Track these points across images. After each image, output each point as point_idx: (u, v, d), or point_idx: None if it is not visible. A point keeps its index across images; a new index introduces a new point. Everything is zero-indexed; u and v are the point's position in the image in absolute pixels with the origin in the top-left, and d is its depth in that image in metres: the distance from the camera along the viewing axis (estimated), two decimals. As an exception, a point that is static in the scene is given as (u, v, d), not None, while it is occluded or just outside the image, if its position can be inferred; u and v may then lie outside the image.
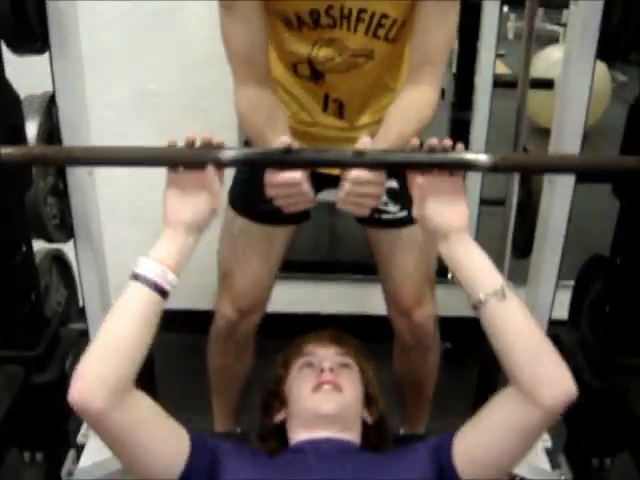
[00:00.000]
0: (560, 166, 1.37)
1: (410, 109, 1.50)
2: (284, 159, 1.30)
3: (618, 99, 4.55)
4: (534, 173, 1.24)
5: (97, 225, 1.87)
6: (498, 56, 3.29)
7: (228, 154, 1.24)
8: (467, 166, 1.25)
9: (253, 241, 1.76)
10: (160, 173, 1.24)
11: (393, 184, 1.66)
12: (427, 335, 1.84)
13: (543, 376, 1.13)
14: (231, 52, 1.51)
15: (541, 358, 1.14)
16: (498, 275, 1.20)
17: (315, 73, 1.61)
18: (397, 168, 1.38)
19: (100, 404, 1.07)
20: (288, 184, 1.33)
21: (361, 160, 1.29)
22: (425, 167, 1.23)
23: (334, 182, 1.68)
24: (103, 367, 1.10)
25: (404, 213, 1.70)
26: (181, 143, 1.23)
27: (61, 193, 1.80)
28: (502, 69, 3.66)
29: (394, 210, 1.72)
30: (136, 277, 1.15)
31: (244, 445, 1.40)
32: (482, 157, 1.23)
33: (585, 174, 1.58)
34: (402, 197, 1.62)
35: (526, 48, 2.02)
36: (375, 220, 1.72)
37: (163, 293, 1.16)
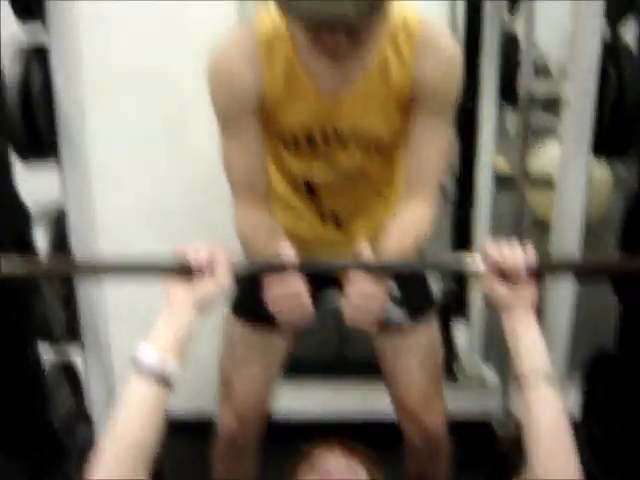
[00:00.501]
0: (557, 268, 1.43)
1: (408, 225, 1.53)
2: (284, 267, 1.35)
3: (621, 191, 4.61)
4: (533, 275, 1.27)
5: (104, 331, 1.89)
6: (499, 153, 3.38)
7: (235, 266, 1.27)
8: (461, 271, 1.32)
9: (253, 348, 1.75)
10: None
11: (393, 290, 1.66)
12: (437, 439, 1.80)
13: (553, 472, 1.13)
14: (232, 176, 1.55)
15: (558, 454, 1.15)
16: (548, 360, 1.22)
17: (311, 189, 1.66)
18: (396, 273, 1.45)
19: None
20: (288, 295, 1.37)
21: (360, 266, 1.35)
22: (420, 272, 1.36)
23: (334, 282, 1.69)
24: (114, 467, 1.09)
25: (407, 315, 1.70)
26: (189, 249, 1.24)
27: (69, 302, 1.82)
28: (503, 165, 3.72)
29: (397, 314, 1.70)
30: (137, 369, 1.14)
31: None
32: (477, 261, 1.27)
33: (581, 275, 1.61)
34: (404, 301, 1.64)
35: (522, 148, 2.07)
36: (378, 324, 1.70)
37: (166, 383, 1.15)
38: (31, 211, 1.63)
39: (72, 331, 1.85)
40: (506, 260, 1.25)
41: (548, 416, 1.18)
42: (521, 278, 1.24)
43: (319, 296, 1.80)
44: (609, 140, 1.63)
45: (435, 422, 1.77)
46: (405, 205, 1.55)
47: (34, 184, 1.65)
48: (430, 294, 1.83)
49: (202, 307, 1.23)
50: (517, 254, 1.25)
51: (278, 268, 1.36)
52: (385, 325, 1.69)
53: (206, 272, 1.23)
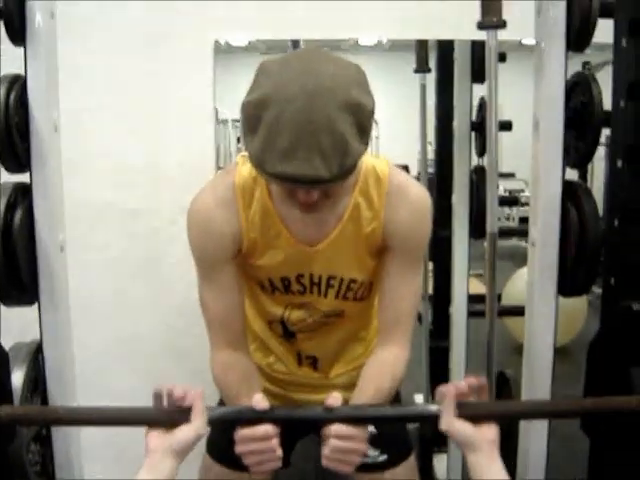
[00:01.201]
0: (520, 413, 1.49)
1: (384, 367, 1.54)
2: (257, 416, 1.35)
3: (596, 312, 4.65)
4: (496, 420, 1.31)
5: (79, 469, 1.86)
6: (477, 276, 3.44)
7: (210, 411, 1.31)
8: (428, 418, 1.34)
9: None
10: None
11: (371, 429, 1.67)
12: None
13: None
14: (208, 314, 1.58)
15: None
16: None
17: (287, 332, 1.68)
18: (367, 422, 1.43)
19: None
20: (258, 438, 1.35)
21: (332, 416, 1.36)
22: (392, 420, 1.40)
23: (315, 429, 1.69)
24: None
25: (384, 457, 1.69)
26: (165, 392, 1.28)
27: (44, 439, 1.80)
28: (481, 289, 3.78)
29: (374, 455, 1.69)
30: None
31: None
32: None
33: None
34: (381, 441, 1.63)
35: (490, 282, 2.10)
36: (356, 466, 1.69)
37: None
38: (10, 351, 1.65)
39: (45, 470, 1.82)
40: (458, 388, 1.29)
41: None
42: (468, 396, 1.29)
43: (296, 443, 1.80)
44: (573, 282, 1.69)
45: None
46: (381, 347, 1.57)
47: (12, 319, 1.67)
48: (407, 436, 1.82)
49: (179, 453, 1.25)
50: (468, 381, 1.30)
51: (252, 419, 1.37)
52: (362, 464, 1.66)
53: (182, 418, 1.26)
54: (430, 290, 3.14)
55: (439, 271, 2.93)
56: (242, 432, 1.36)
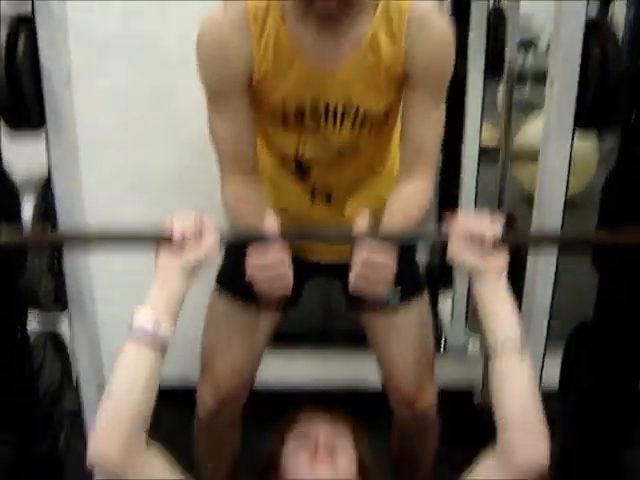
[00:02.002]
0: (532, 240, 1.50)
1: (410, 197, 1.54)
2: (272, 237, 1.34)
3: (606, 165, 4.62)
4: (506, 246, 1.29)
5: (91, 304, 1.90)
6: (488, 124, 3.38)
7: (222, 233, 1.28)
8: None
9: (237, 326, 1.73)
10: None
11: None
12: (427, 421, 1.81)
13: (519, 441, 1.17)
14: (219, 146, 1.54)
15: (526, 423, 1.18)
16: (519, 330, 1.23)
17: (301, 168, 1.63)
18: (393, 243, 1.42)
19: (116, 461, 1.13)
20: (269, 265, 1.35)
21: (344, 234, 1.37)
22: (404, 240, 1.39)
23: (325, 270, 1.71)
24: (114, 427, 1.14)
25: (397, 295, 1.69)
26: (175, 218, 1.25)
27: (56, 270, 1.83)
28: (492, 138, 3.73)
29: (387, 293, 1.65)
30: (132, 334, 1.18)
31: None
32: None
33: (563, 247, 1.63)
34: (393, 280, 1.65)
35: (506, 121, 2.07)
36: (368, 305, 1.70)
37: (160, 347, 1.18)
38: (18, 182, 1.64)
39: (59, 300, 1.86)
40: (471, 227, 1.26)
41: (518, 387, 1.20)
42: (486, 245, 1.25)
43: (303, 285, 1.80)
44: (592, 113, 1.64)
45: (427, 405, 1.76)
46: (404, 180, 1.55)
47: (21, 154, 1.65)
48: (419, 275, 1.83)
49: (190, 271, 1.25)
50: (483, 222, 1.27)
51: (264, 237, 1.36)
52: (380, 305, 1.69)
53: (193, 239, 1.24)
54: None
55: (452, 114, 2.85)
56: (254, 258, 1.35)
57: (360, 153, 1.60)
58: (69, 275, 1.81)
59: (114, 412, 1.15)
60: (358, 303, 1.72)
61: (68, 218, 1.75)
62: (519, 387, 1.20)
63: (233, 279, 1.68)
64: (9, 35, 1.59)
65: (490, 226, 1.26)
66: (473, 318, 2.76)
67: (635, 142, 1.56)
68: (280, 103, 1.51)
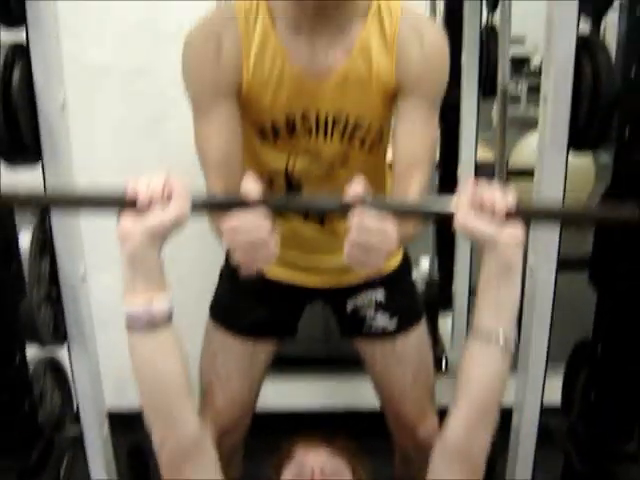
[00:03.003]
0: (537, 212, 1.29)
1: (408, 192, 1.44)
2: (251, 202, 1.20)
3: (602, 180, 4.64)
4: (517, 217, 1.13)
5: (90, 331, 1.88)
6: (483, 142, 3.39)
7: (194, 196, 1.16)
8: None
9: (234, 357, 1.70)
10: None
11: (379, 295, 1.66)
12: (429, 447, 1.79)
13: (467, 433, 1.17)
14: (206, 158, 1.46)
15: (479, 422, 1.16)
16: (512, 324, 1.15)
17: (291, 185, 1.59)
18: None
19: (194, 433, 1.17)
20: (249, 229, 1.19)
21: (338, 205, 1.21)
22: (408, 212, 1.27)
23: (322, 296, 1.68)
24: (170, 414, 1.15)
25: (395, 321, 1.68)
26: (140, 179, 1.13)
27: (54, 300, 1.82)
28: (489, 154, 3.75)
29: (384, 320, 1.68)
30: (129, 326, 1.12)
31: None
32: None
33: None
34: (390, 306, 1.63)
35: (500, 140, 2.07)
36: (366, 332, 1.70)
37: (163, 322, 1.12)
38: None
39: (58, 330, 1.85)
40: (483, 194, 1.12)
41: (487, 381, 1.14)
42: (498, 214, 1.11)
43: (303, 309, 1.80)
44: (585, 135, 1.64)
45: (429, 432, 1.73)
46: (396, 193, 1.47)
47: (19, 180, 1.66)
48: (417, 301, 1.80)
49: (157, 235, 1.11)
50: (495, 191, 1.13)
51: (242, 202, 1.20)
52: (372, 331, 1.69)
53: (159, 201, 1.11)
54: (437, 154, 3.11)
55: (446, 134, 2.86)
56: (230, 220, 1.20)
57: (351, 168, 1.54)
58: (68, 305, 1.80)
59: (160, 407, 1.15)
60: (354, 330, 1.72)
61: (66, 249, 1.74)
62: (490, 382, 1.15)
63: (228, 313, 1.67)
64: (5, 63, 1.58)
65: (502, 195, 1.12)
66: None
67: (629, 159, 1.56)
68: (270, 113, 1.47)
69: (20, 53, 1.62)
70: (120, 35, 2.31)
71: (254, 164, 1.57)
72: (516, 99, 7.55)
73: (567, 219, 1.31)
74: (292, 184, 1.59)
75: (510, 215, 1.11)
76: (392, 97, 1.47)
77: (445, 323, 2.95)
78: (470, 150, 2.69)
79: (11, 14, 1.59)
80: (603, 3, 1.67)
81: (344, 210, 1.20)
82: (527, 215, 1.18)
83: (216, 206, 1.27)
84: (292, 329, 1.78)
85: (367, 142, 1.52)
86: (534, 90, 7.28)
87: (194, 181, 1.43)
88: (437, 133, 1.51)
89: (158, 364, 1.13)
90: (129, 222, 1.10)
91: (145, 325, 1.11)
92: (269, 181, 1.59)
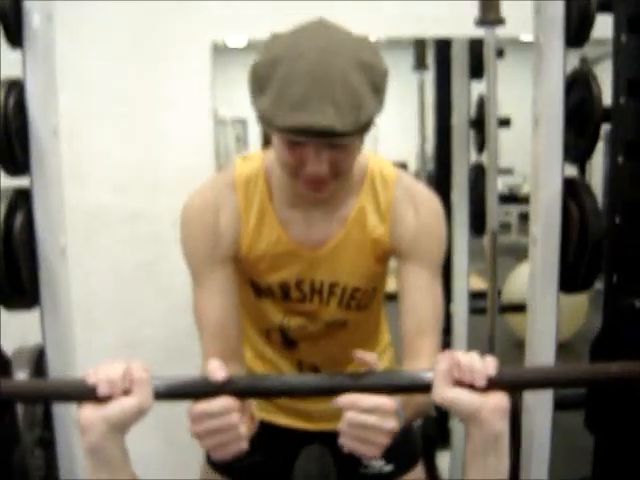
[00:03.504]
0: (531, 380, 1.19)
1: None
2: (213, 389, 1.12)
3: (597, 307, 4.67)
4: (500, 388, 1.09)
5: (84, 474, 1.85)
6: (475, 272, 3.44)
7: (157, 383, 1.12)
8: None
9: None
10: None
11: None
12: None
13: None
14: (202, 322, 1.46)
15: None
16: None
17: (287, 341, 1.60)
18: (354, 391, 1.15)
19: None
20: (215, 414, 1.11)
21: (305, 384, 1.19)
22: (383, 390, 1.14)
23: (318, 438, 1.64)
24: None
25: (390, 467, 1.66)
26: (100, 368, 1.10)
27: (47, 443, 1.80)
28: (482, 284, 3.79)
29: (379, 465, 1.66)
30: None
31: None
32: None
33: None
34: (386, 452, 1.61)
35: (491, 274, 2.11)
36: (360, 476, 1.67)
37: None
38: (10, 353, 1.64)
39: (50, 474, 1.82)
40: (460, 363, 1.08)
41: None
42: (478, 383, 1.06)
43: (295, 457, 1.75)
44: (575, 278, 1.67)
45: None
46: (408, 360, 1.43)
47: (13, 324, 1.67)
48: (414, 444, 1.78)
49: (118, 425, 1.06)
50: (473, 359, 1.09)
51: (208, 392, 1.13)
52: (367, 475, 1.66)
53: (119, 390, 1.07)
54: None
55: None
56: (195, 407, 1.12)
57: (348, 328, 1.57)
58: (60, 446, 1.78)
59: None
60: (350, 472, 1.67)
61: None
62: None
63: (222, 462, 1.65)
64: (8, 208, 1.61)
65: (482, 363, 1.08)
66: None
67: (618, 305, 1.58)
68: (265, 277, 1.49)
69: (23, 197, 1.66)
70: (119, 178, 2.38)
71: (251, 316, 1.60)
72: (507, 226, 7.70)
73: (554, 383, 1.25)
74: (288, 339, 1.60)
75: (492, 385, 1.07)
76: (388, 255, 1.49)
77: (443, 460, 2.90)
78: (463, 288, 2.73)
79: (17, 163, 1.64)
80: (586, 149, 1.73)
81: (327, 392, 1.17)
82: (509, 384, 1.12)
83: (181, 394, 1.16)
84: (286, 475, 1.75)
85: (364, 304, 1.54)
86: (524, 218, 7.47)
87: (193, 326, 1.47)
88: (441, 295, 1.49)
89: None
90: (89, 411, 1.07)
91: None
92: (266, 333, 1.62)
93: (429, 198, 1.48)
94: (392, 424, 1.13)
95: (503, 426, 1.07)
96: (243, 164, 1.48)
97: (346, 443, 1.15)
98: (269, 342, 1.64)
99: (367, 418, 1.11)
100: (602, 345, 1.64)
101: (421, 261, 1.44)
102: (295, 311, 1.54)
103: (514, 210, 7.94)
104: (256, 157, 1.49)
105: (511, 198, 6.03)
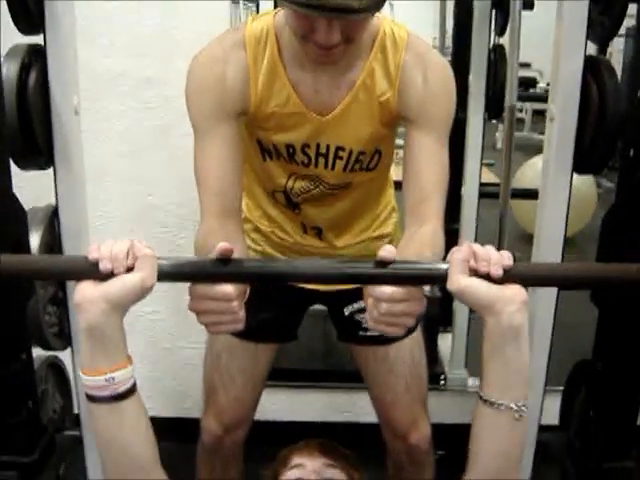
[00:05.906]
0: (546, 277, 1.21)
1: (421, 238, 1.35)
2: (219, 272, 1.10)
3: (604, 205, 4.67)
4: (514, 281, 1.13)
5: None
6: (487, 165, 3.42)
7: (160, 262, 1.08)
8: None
9: (236, 358, 1.74)
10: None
11: None
12: (422, 454, 1.80)
13: None
14: (202, 180, 1.43)
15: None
16: (523, 391, 1.08)
17: (290, 203, 1.62)
18: (360, 282, 1.21)
19: None
20: (216, 299, 1.12)
21: (314, 270, 1.15)
22: (394, 281, 1.11)
23: (322, 298, 1.69)
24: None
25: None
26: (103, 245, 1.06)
27: (60, 302, 1.84)
28: (491, 178, 3.78)
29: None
30: (91, 398, 1.05)
31: None
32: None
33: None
34: None
35: (506, 161, 2.09)
36: (360, 338, 1.71)
37: (127, 394, 1.06)
38: (28, 214, 1.66)
39: (62, 333, 1.86)
40: (476, 253, 1.07)
41: (501, 450, 1.09)
42: (494, 276, 1.05)
43: (304, 313, 1.83)
44: (589, 160, 1.66)
45: (421, 439, 1.76)
46: (410, 225, 1.41)
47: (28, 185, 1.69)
48: None
49: (118, 303, 1.03)
50: (490, 250, 1.08)
51: (213, 275, 1.11)
52: (366, 336, 1.67)
53: (122, 266, 1.04)
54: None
55: (451, 152, 2.88)
56: (197, 288, 1.13)
57: (351, 190, 1.58)
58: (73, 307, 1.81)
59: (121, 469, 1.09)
60: (349, 334, 1.74)
61: (74, 248, 1.76)
62: (502, 452, 1.09)
63: None
64: (22, 64, 1.59)
65: (498, 255, 1.07)
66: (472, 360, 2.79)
67: (633, 178, 1.58)
68: (271, 138, 1.49)
69: (37, 55, 1.64)
70: (134, 44, 2.35)
71: (257, 176, 1.63)
72: (520, 122, 7.58)
73: (570, 281, 1.22)
74: (292, 201, 1.63)
75: (508, 278, 1.06)
76: (395, 121, 1.49)
77: (445, 341, 2.96)
78: (475, 171, 2.71)
79: (30, 17, 1.61)
80: (611, 28, 1.68)
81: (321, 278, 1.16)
82: (525, 277, 1.10)
83: (187, 276, 1.13)
84: (293, 334, 1.82)
85: (370, 165, 1.54)
86: (539, 114, 7.36)
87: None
88: (447, 163, 1.46)
89: (126, 440, 1.08)
90: (88, 288, 1.03)
91: (108, 399, 1.05)
92: (271, 194, 1.64)
93: (440, 64, 1.46)
94: (421, 308, 1.14)
95: (522, 318, 1.04)
96: (253, 23, 1.45)
97: (377, 327, 1.15)
98: (275, 203, 1.66)
99: (401, 306, 1.11)
100: (614, 219, 1.64)
101: (427, 128, 1.42)
102: (299, 174, 1.55)
103: (528, 106, 7.81)
104: (267, 17, 1.46)
105: (530, 83, 5.89)
